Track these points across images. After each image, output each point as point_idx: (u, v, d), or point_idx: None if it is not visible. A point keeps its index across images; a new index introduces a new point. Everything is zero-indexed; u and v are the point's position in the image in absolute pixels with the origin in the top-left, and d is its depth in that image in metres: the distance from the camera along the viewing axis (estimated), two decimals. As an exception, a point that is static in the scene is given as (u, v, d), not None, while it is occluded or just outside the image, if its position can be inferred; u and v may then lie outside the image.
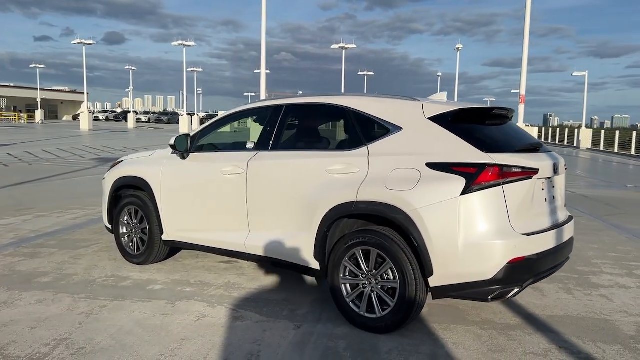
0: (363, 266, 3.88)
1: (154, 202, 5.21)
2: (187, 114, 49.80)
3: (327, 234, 4.05)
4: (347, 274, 3.97)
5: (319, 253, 4.10)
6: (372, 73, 54.74)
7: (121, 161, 5.82)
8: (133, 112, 55.09)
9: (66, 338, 3.66)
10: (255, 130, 5.40)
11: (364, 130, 4.05)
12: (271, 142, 4.53)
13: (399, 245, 3.69)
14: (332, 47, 39.85)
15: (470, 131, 3.77)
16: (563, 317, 4.29)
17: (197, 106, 68.17)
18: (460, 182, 3.50)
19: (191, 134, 5.06)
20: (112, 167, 5.94)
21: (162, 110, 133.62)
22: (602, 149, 32.91)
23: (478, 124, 3.93)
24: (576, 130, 36.53)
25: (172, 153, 5.22)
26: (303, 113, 4.62)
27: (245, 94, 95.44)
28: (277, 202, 4.34)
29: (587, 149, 33.75)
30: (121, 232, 5.60)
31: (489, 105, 4.09)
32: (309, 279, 5.11)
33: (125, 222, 5.56)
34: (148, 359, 3.38)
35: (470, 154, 3.58)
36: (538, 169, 3.72)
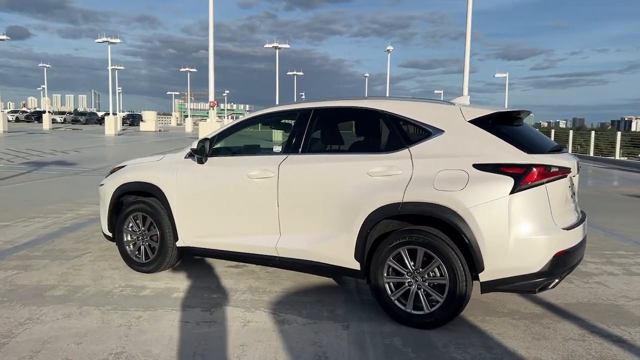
0: (409, 265, 4.01)
1: (167, 208, 5.08)
2: (108, 113, 47.74)
3: (368, 235, 4.14)
4: (390, 272, 4.09)
5: (359, 254, 4.19)
6: (301, 73, 55.09)
7: (122, 166, 5.60)
8: (49, 112, 51.99)
9: (121, 352, 3.54)
10: (272, 134, 5.40)
11: (404, 133, 4.19)
12: (302, 146, 4.56)
13: (447, 243, 3.86)
14: (266, 46, 39.65)
15: (508, 133, 4.01)
16: (578, 305, 4.64)
17: (118, 105, 65.13)
18: (508, 182, 3.73)
19: (208, 138, 4.97)
20: (111, 172, 5.72)
21: (74, 110, 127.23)
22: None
23: (510, 125, 4.18)
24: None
25: (185, 157, 5.12)
26: (335, 117, 4.69)
27: (169, 92, 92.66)
28: (313, 204, 4.38)
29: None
30: (125, 240, 5.40)
31: (515, 109, 4.34)
32: (327, 280, 5.18)
33: (131, 229, 5.37)
34: (220, 367, 3.34)
35: (514, 155, 3.81)
36: (570, 168, 4.02)
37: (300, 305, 4.49)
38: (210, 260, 5.80)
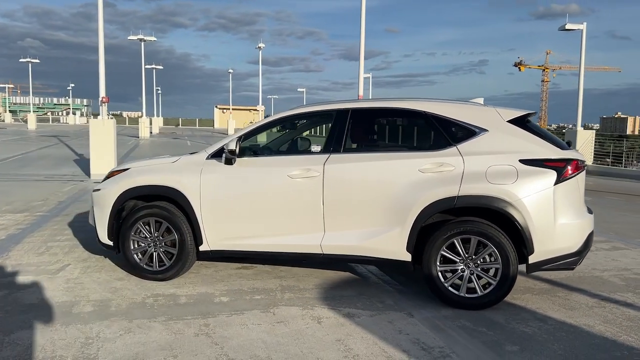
0: (462, 253, 4.39)
1: (191, 211, 4.89)
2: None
3: (421, 228, 4.44)
4: (443, 261, 4.44)
5: (411, 246, 4.47)
6: (161, 67, 52.75)
7: (125, 169, 5.23)
8: None
9: (233, 359, 3.44)
10: (276, 134, 5.41)
11: (449, 132, 4.55)
12: (343, 145, 4.70)
13: (499, 231, 4.31)
14: (130, 38, 37.38)
15: (538, 131, 4.57)
16: (574, 278, 5.38)
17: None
18: (552, 175, 4.28)
19: (239, 138, 4.87)
20: (108, 177, 5.31)
21: None
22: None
23: (532, 125, 4.74)
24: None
25: (208, 158, 4.97)
26: (374, 117, 4.89)
27: (2, 85, 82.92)
28: (362, 202, 4.56)
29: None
30: (132, 247, 5.08)
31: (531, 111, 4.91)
32: (345, 273, 5.36)
33: (141, 236, 5.06)
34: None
35: (553, 151, 4.38)
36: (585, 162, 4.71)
37: (347, 299, 4.65)
38: (214, 263, 5.66)
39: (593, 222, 4.64)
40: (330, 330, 3.95)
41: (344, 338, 3.81)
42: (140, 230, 5.07)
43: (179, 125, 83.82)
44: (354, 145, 4.74)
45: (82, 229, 7.32)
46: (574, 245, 4.34)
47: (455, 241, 4.39)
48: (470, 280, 4.41)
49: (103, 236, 5.21)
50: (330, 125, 4.86)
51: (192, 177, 4.92)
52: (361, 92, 17.02)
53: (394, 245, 4.51)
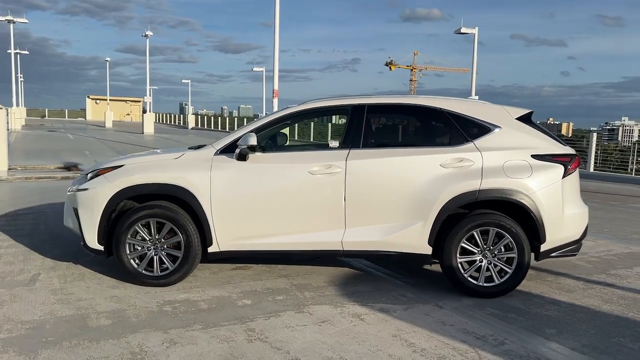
0: (480, 244, 4.60)
1: (200, 211, 4.59)
2: None
3: (443, 222, 4.58)
4: (462, 253, 4.62)
5: (432, 239, 4.60)
6: (27, 52, 47.97)
7: (118, 166, 4.76)
8: None
9: (306, 364, 3.32)
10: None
11: (465, 129, 4.72)
12: (361, 140, 4.70)
13: (515, 222, 4.58)
14: (-2, 19, 33.44)
15: (541, 128, 4.91)
16: (548, 262, 5.83)
17: None
18: (560, 169, 4.63)
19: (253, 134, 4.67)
20: (93, 176, 4.80)
21: None
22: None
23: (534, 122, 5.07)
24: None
25: (217, 154, 4.70)
26: (391, 113, 4.91)
27: None
28: (384, 197, 4.59)
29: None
30: (127, 252, 4.66)
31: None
32: (351, 270, 5.37)
33: (138, 239, 4.66)
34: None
35: (558, 147, 4.74)
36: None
37: (368, 295, 4.65)
38: (207, 265, 5.36)
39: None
40: (378, 326, 3.94)
41: (398, 333, 3.82)
42: (138, 233, 4.66)
43: (45, 116, 77.02)
44: (372, 141, 4.74)
45: (22, 232, 6.57)
46: (577, 233, 4.73)
47: (474, 233, 4.58)
48: (487, 270, 4.62)
49: (92, 241, 4.71)
50: (347, 120, 4.81)
51: (201, 174, 4.62)
52: (276, 87, 16.93)
53: (417, 239, 4.60)
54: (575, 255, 4.89)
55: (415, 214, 4.57)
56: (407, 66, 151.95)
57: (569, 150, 4.78)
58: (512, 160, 4.60)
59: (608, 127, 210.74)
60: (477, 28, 20.44)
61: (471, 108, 4.82)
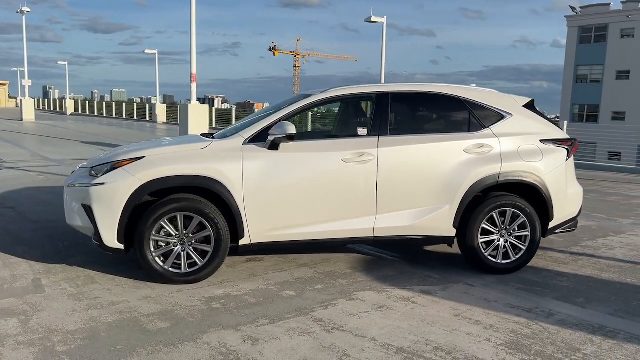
0: (499, 224, 4.91)
1: (232, 203, 4.43)
2: None
3: (467, 204, 4.83)
4: (484, 233, 4.91)
5: (457, 221, 4.84)
6: None
7: (139, 158, 4.42)
8: None
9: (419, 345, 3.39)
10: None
11: (482, 116, 4.98)
12: (389, 128, 4.79)
13: (528, 203, 4.94)
14: None
15: (543, 115, 5.31)
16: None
17: None
18: (564, 152, 5.06)
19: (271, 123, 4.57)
20: (109, 169, 4.42)
21: None
22: (179, 122, 36.17)
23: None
24: (154, 107, 38.70)
25: (246, 143, 4.55)
26: (413, 100, 5.01)
27: None
28: (414, 183, 4.73)
29: (164, 122, 36.39)
30: (152, 250, 4.39)
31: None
32: (362, 256, 5.46)
33: (162, 235, 4.40)
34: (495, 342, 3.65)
35: (560, 132, 5.16)
36: (566, 141, 5.61)
37: (398, 278, 4.78)
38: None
39: None
40: (434, 308, 4.09)
41: (458, 313, 4.00)
42: (163, 228, 4.39)
43: None
44: (398, 128, 4.84)
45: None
46: (576, 210, 5.22)
47: (494, 214, 4.87)
48: (504, 248, 4.95)
49: (110, 239, 4.35)
50: (373, 108, 4.86)
51: (233, 165, 4.44)
52: (194, 70, 16.29)
53: (444, 223, 4.80)
54: (574, 230, 5.38)
55: (442, 198, 4.76)
56: (291, 52, 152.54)
57: (567, 135, 5.22)
58: (525, 145, 4.94)
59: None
60: (385, 17, 21.18)
61: (485, 96, 5.09)
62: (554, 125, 5.20)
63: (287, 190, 4.53)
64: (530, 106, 5.21)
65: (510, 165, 4.85)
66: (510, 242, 4.95)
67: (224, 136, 4.79)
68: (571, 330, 3.73)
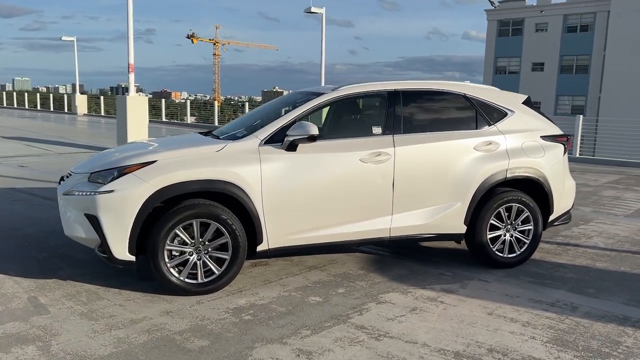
0: (505, 219, 5.02)
1: (251, 207, 4.22)
2: None
3: (478, 201, 4.88)
4: (491, 229, 5.00)
5: (468, 218, 4.89)
6: None
7: (151, 162, 4.09)
8: None
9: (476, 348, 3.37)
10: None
11: (488, 114, 5.04)
12: (402, 126, 4.74)
13: (531, 198, 5.08)
14: None
15: (540, 112, 5.46)
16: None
17: None
18: (561, 148, 5.24)
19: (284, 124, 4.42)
20: (117, 175, 4.07)
21: None
22: (103, 114, 34.36)
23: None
24: (72, 97, 36.26)
25: (262, 145, 4.34)
26: (422, 98, 4.96)
27: None
28: (428, 181, 4.72)
29: (85, 114, 34.36)
30: (167, 260, 4.11)
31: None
32: (368, 255, 5.40)
33: (177, 244, 4.13)
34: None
35: (556, 128, 5.34)
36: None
37: (413, 277, 4.75)
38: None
39: None
40: (464, 307, 4.10)
41: (490, 311, 4.03)
42: (177, 237, 4.11)
43: None
44: (410, 126, 4.79)
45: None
46: (571, 203, 5.43)
47: (501, 210, 4.96)
48: (509, 242, 5.06)
49: (120, 251, 4.02)
50: (385, 106, 4.79)
51: (251, 167, 4.23)
52: (132, 60, 15.46)
53: (456, 220, 4.83)
54: (568, 222, 5.59)
55: (455, 195, 4.79)
56: (210, 40, 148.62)
57: (561, 131, 5.41)
58: (528, 141, 5.06)
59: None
60: (324, 8, 21.05)
61: (488, 94, 5.15)
62: (550, 122, 5.36)
63: (306, 193, 4.37)
64: (528, 103, 5.34)
65: (517, 161, 4.95)
66: (515, 237, 5.06)
67: (234, 137, 4.54)
68: (601, 323, 3.86)
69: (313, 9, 20.60)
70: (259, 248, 4.34)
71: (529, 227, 5.07)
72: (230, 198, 4.21)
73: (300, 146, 4.36)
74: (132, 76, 15.50)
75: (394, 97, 4.79)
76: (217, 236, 4.20)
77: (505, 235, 5.02)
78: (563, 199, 5.27)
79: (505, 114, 5.11)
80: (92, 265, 4.89)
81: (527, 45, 44.18)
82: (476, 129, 4.98)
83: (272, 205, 4.28)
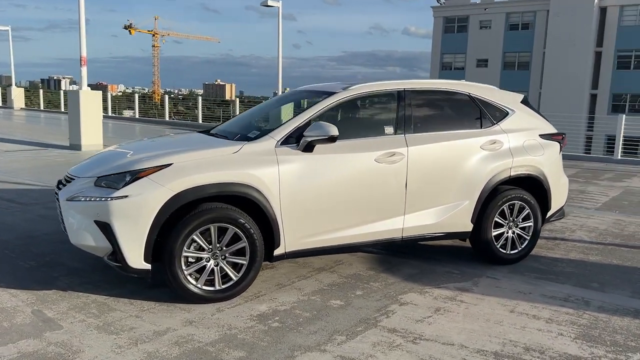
0: (508, 216, 5.12)
1: (269, 210, 4.11)
2: None
3: (484, 199, 4.95)
4: (495, 226, 5.08)
5: (475, 216, 4.95)
6: None
7: (167, 165, 3.90)
8: None
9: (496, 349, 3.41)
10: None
11: (491, 113, 5.12)
12: (412, 125, 4.74)
13: (532, 195, 5.20)
14: None
15: (536, 110, 5.58)
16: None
17: None
18: (557, 146, 5.39)
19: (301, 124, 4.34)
20: (131, 179, 3.86)
21: None
22: (42, 108, 32.74)
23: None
24: (8, 90, 34.25)
25: (279, 146, 4.23)
26: (428, 97, 4.95)
27: None
28: (439, 180, 4.74)
29: (22, 108, 32.62)
30: (184, 267, 3.95)
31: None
32: (377, 255, 5.38)
33: (193, 250, 3.97)
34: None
35: (551, 127, 5.48)
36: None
37: (424, 276, 4.77)
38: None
39: None
40: (486, 305, 4.15)
41: (511, 309, 4.09)
42: (194, 242, 3.95)
43: None
44: (419, 125, 4.79)
45: None
46: (564, 199, 5.60)
47: (504, 208, 5.06)
48: (512, 240, 5.16)
49: (136, 260, 3.82)
50: (396, 105, 4.76)
51: (269, 169, 4.11)
52: (84, 53, 14.76)
53: (464, 218, 4.88)
54: (562, 218, 5.77)
55: (463, 194, 4.83)
56: (149, 31, 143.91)
57: (556, 130, 5.56)
58: (528, 140, 5.18)
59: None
60: (280, 1, 20.86)
61: (490, 93, 5.22)
62: (546, 120, 5.50)
63: (323, 195, 4.30)
64: (525, 102, 5.45)
65: (520, 160, 5.04)
66: (517, 233, 5.17)
67: (247, 138, 4.39)
68: (617, 317, 3.99)
69: (270, 2, 20.36)
70: (276, 252, 4.23)
71: (530, 223, 5.19)
72: (248, 201, 4.07)
73: (317, 147, 4.27)
74: (84, 69, 14.77)
75: (404, 96, 4.77)
76: (235, 241, 4.05)
77: (507, 232, 5.11)
78: (559, 195, 5.42)
79: (507, 114, 5.20)
80: (89, 273, 4.64)
81: (471, 42, 45.46)
82: (481, 128, 5.04)
83: (290, 208, 4.17)
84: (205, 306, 3.98)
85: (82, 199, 3.91)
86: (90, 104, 14.66)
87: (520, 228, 5.17)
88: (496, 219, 5.02)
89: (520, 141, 5.12)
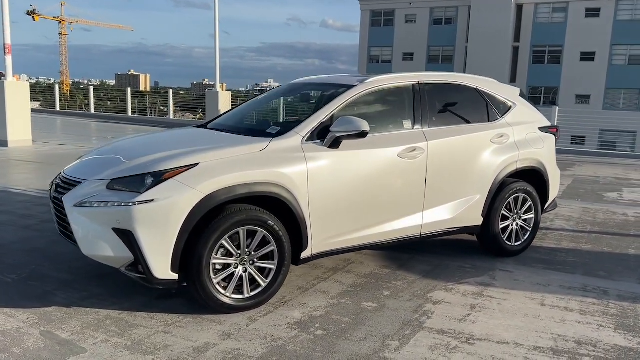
0: (513, 209, 5.17)
1: (298, 211, 3.88)
2: None
3: (494, 192, 4.96)
4: (502, 219, 5.12)
5: (485, 210, 4.95)
6: None
7: (194, 165, 3.55)
8: None
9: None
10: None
11: (497, 107, 5.13)
12: (428, 119, 4.65)
13: (533, 187, 5.28)
14: None
15: (532, 103, 5.67)
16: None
17: None
18: (553, 138, 5.51)
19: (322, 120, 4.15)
20: (156, 181, 3.49)
21: None
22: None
23: None
24: None
25: (305, 143, 4.00)
26: (440, 91, 4.85)
27: None
28: (455, 175, 4.69)
29: None
30: (213, 275, 3.65)
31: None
32: (389, 252, 5.26)
33: (221, 257, 3.68)
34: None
35: (546, 120, 5.59)
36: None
37: (442, 272, 4.71)
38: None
39: None
40: (516, 300, 4.13)
41: (540, 302, 4.11)
42: (222, 248, 3.66)
43: None
44: (434, 119, 4.70)
45: None
46: (557, 191, 5.74)
47: (510, 200, 5.10)
48: (516, 232, 5.22)
49: (162, 270, 3.47)
50: (412, 99, 4.64)
51: (298, 167, 3.87)
52: (8, 41, 13.57)
53: (476, 212, 4.87)
54: (555, 209, 5.91)
55: (476, 188, 4.81)
56: (55, 17, 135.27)
57: (550, 122, 5.68)
58: (530, 133, 5.24)
59: (259, 89, 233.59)
60: (217, -8, 20.12)
61: (494, 86, 5.23)
62: (541, 114, 5.60)
63: (351, 193, 4.11)
64: (523, 95, 5.52)
65: (525, 153, 5.10)
66: (520, 225, 5.23)
67: (267, 134, 4.11)
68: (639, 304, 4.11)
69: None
70: (303, 255, 4.00)
71: (531, 215, 5.26)
72: (276, 202, 3.81)
73: (343, 143, 4.08)
74: (9, 58, 13.60)
75: (419, 90, 4.67)
76: (263, 245, 3.79)
77: (512, 225, 5.16)
78: (555, 187, 5.55)
79: (510, 107, 5.23)
80: (85, 285, 4.21)
81: (398, 36, 46.38)
82: (488, 121, 5.03)
83: (319, 207, 3.96)
84: (234, 316, 3.70)
85: (96, 205, 3.49)
86: (17, 96, 13.49)
87: (523, 220, 5.23)
88: (503, 212, 5.04)
89: (524, 134, 5.17)
